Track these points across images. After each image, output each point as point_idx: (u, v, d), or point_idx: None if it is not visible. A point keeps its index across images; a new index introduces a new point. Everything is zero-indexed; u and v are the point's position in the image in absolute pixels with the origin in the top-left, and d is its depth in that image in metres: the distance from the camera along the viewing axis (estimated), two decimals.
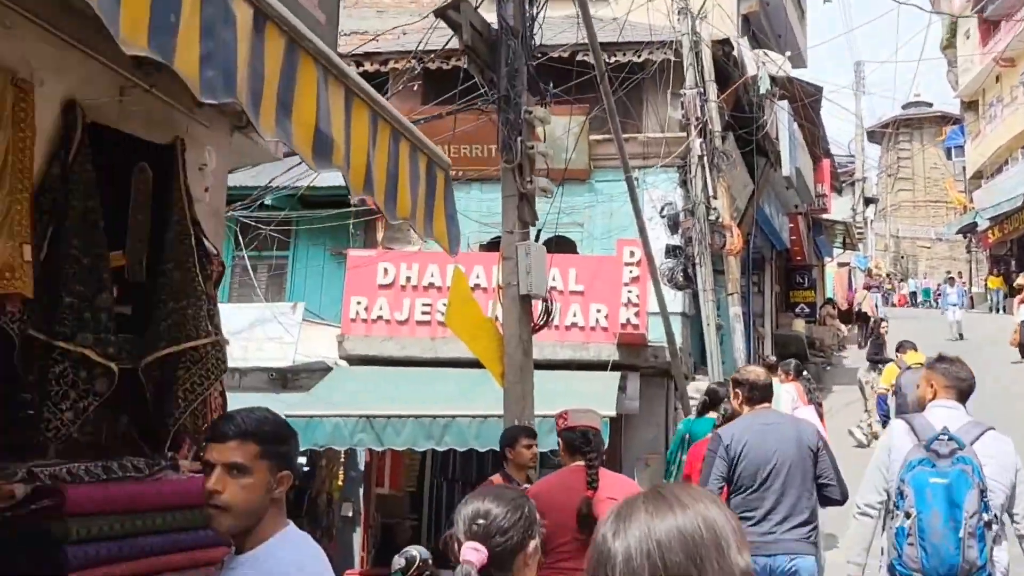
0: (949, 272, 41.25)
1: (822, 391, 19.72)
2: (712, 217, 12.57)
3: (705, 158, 12.61)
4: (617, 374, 11.40)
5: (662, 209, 12.56)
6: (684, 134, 13.34)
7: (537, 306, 7.11)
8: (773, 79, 17.31)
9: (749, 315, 18.55)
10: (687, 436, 7.53)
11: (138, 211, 3.46)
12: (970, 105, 44.05)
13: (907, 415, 4.41)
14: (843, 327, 27.60)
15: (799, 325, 22.21)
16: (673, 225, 12.51)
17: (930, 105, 51.01)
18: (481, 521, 2.19)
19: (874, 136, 49.49)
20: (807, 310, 23.50)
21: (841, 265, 33.25)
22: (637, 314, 11.37)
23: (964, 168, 44.44)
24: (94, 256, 3.17)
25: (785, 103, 18.09)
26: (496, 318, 7.02)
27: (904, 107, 49.49)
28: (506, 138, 6.68)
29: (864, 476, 4.39)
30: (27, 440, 3.11)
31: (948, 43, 44.44)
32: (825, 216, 27.98)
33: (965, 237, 46.54)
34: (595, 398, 10.56)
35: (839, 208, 31.13)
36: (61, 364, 3.07)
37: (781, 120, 17.51)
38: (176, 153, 3.57)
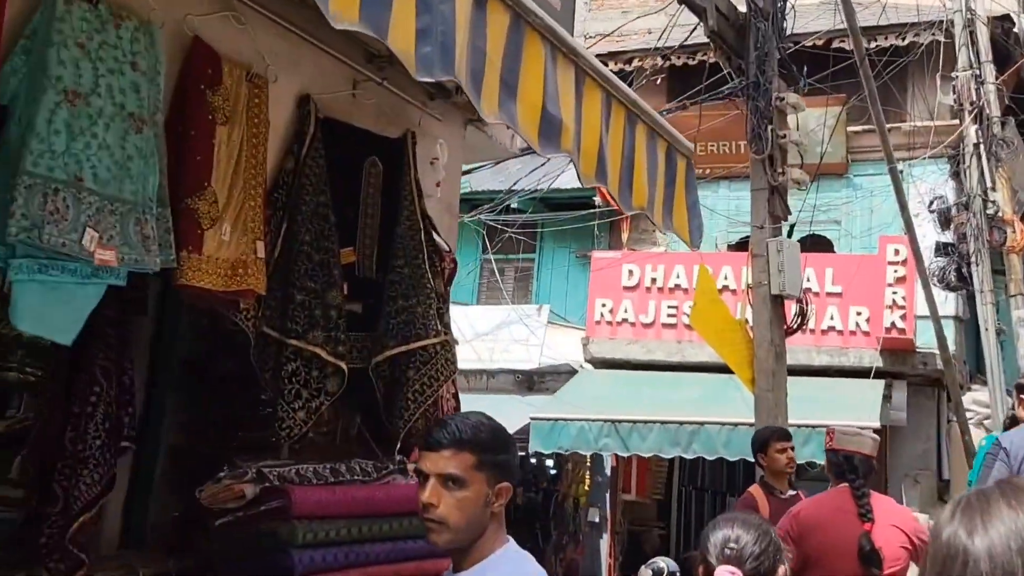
0: None
1: None
2: (990, 211, 11.34)
3: (981, 146, 11.40)
4: (881, 382, 10.54)
5: (931, 203, 11.48)
6: (955, 121, 12.16)
7: (790, 307, 6.57)
8: None
9: None
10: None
11: (368, 206, 3.40)
12: None
13: None
14: None
15: None
16: (944, 220, 11.40)
17: None
18: (733, 546, 2.21)
19: None
20: None
21: None
22: (903, 317, 10.45)
23: None
24: (325, 252, 3.13)
25: None
26: (746, 320, 6.55)
27: None
28: (755, 127, 6.24)
29: None
30: (264, 440, 3.09)
31: None
32: None
33: None
34: (856, 407, 9.82)
35: None
36: (293, 362, 3.04)
37: None
38: (406, 146, 3.48)
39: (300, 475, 2.85)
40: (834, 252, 12.77)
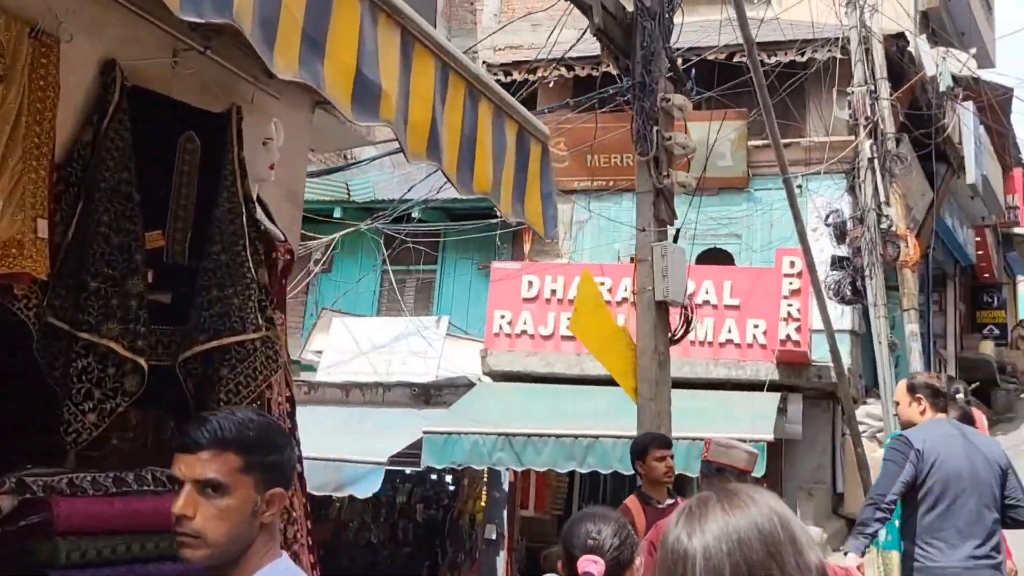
0: None
1: (1011, 420, 17.92)
2: (884, 225, 11.45)
3: (876, 161, 11.52)
4: (776, 395, 10.49)
5: (827, 217, 11.55)
6: (851, 137, 12.29)
7: (678, 315, 6.40)
8: (955, 78, 15.91)
9: (929, 335, 17.07)
10: None
11: (183, 186, 3.06)
12: None
13: None
14: None
15: (987, 348, 20.33)
16: (840, 234, 11.47)
17: None
18: (595, 537, 2.37)
19: None
20: (997, 332, 21.52)
21: None
22: (798, 330, 10.42)
23: None
24: (126, 235, 2.78)
25: (970, 104, 16.59)
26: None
27: None
28: (641, 128, 6.06)
29: None
30: (51, 445, 2.72)
31: None
32: (1017, 231, 25.73)
33: None
34: (750, 420, 9.74)
35: None
36: (84, 358, 2.69)
37: (965, 123, 16.04)
38: (229, 122, 3.16)
39: (73, 485, 2.48)
40: (735, 265, 12.77)
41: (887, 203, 11.60)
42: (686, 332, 6.39)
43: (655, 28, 6.20)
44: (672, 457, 5.22)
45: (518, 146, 3.20)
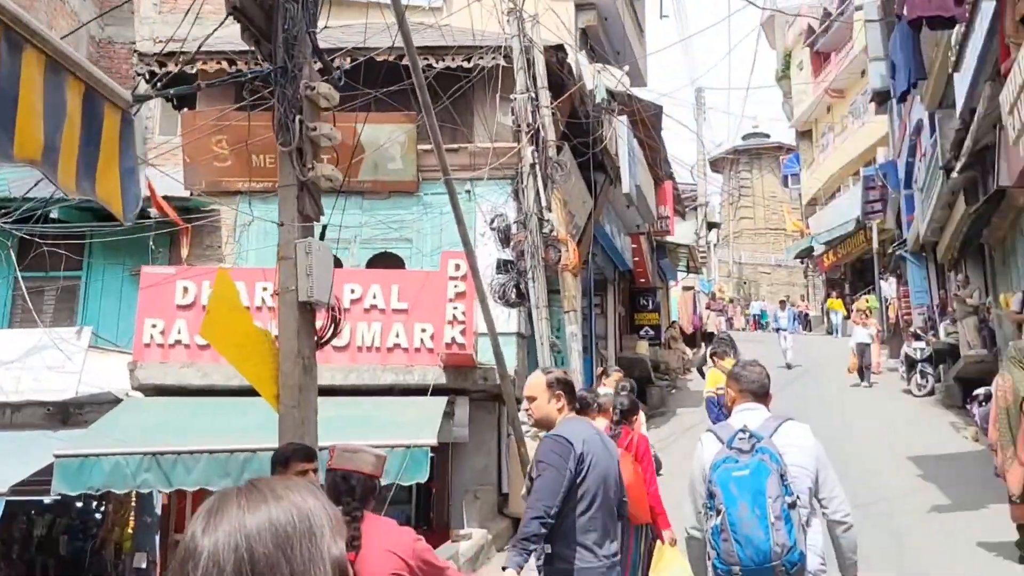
0: (788, 296, 42.37)
1: (664, 414, 19.29)
2: (546, 230, 11.78)
3: (538, 167, 11.83)
4: (443, 399, 10.42)
5: (492, 220, 11.69)
6: (515, 144, 12.57)
7: (325, 317, 6.01)
8: (611, 93, 16.87)
9: (592, 337, 17.96)
10: None
11: None
12: (804, 134, 45.58)
13: (714, 426, 4.51)
14: (688, 350, 27.51)
15: (643, 348, 21.83)
16: (504, 238, 11.66)
17: (768, 136, 52.58)
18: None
19: (716, 165, 50.61)
20: (651, 333, 23.18)
21: (686, 289, 33.38)
22: (463, 332, 10.41)
23: (800, 195, 45.88)
24: None
25: (624, 119, 17.66)
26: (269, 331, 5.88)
27: (744, 138, 50.89)
28: (283, 117, 5.62)
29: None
30: None
31: (783, 74, 45.92)
32: (669, 239, 27.93)
33: (803, 262, 48.06)
34: (416, 426, 9.56)
35: (683, 233, 31.23)
36: None
37: (620, 135, 17.05)
38: None
39: None
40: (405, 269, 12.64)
41: (548, 208, 11.94)
42: (334, 334, 6.01)
43: (298, 10, 5.79)
44: (316, 471, 4.83)
45: (85, 110, 2.66)
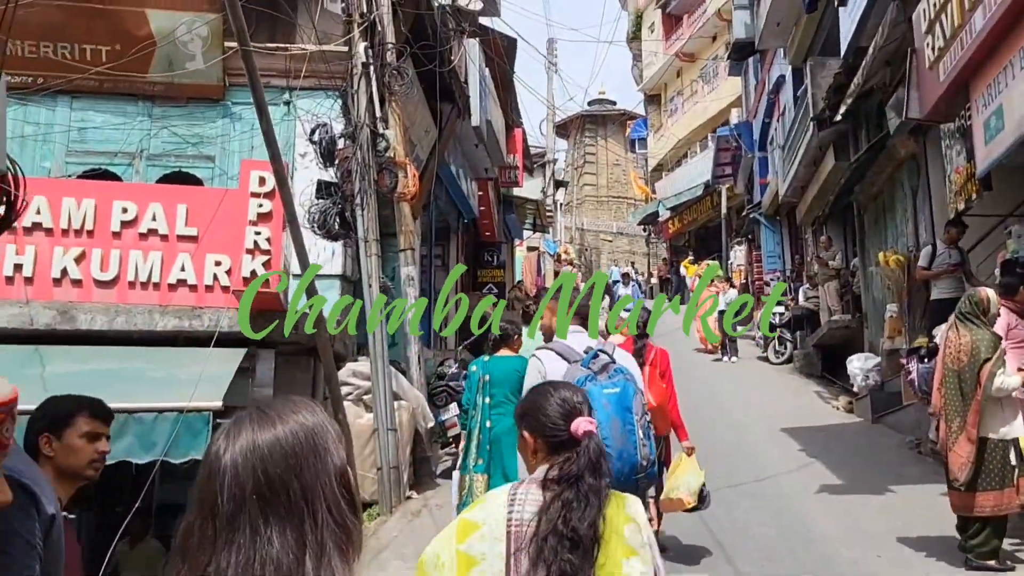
0: (632, 264, 41.45)
1: None
2: (381, 146, 9.55)
3: (372, 68, 9.58)
4: (240, 351, 8.08)
5: (313, 131, 9.39)
6: (346, 48, 10.24)
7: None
8: (461, 11, 14.71)
9: (431, 291, 15.86)
10: (486, 377, 6.82)
11: None
12: (653, 99, 44.75)
13: (547, 344, 4.46)
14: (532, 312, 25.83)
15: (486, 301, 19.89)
16: (327, 153, 9.37)
17: (614, 103, 51.47)
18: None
19: (561, 130, 49.12)
20: (495, 291, 21.27)
21: (531, 249, 31.75)
22: (267, 265, 8.08)
23: (647, 160, 45.07)
24: None
25: (476, 43, 15.55)
26: None
27: (590, 103, 49.65)
28: None
29: None
30: None
31: (634, 35, 44.83)
32: (516, 193, 26.12)
33: (645, 230, 47.40)
34: (199, 385, 7.19)
35: (530, 190, 29.51)
36: None
37: (472, 59, 14.93)
38: None
39: None
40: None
41: (384, 122, 9.72)
42: (9, 220, 3.67)
43: None
44: (108, 438, 2.94)
45: None
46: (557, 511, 2.29)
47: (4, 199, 3.51)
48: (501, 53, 18.10)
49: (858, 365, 12.55)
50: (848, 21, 13.32)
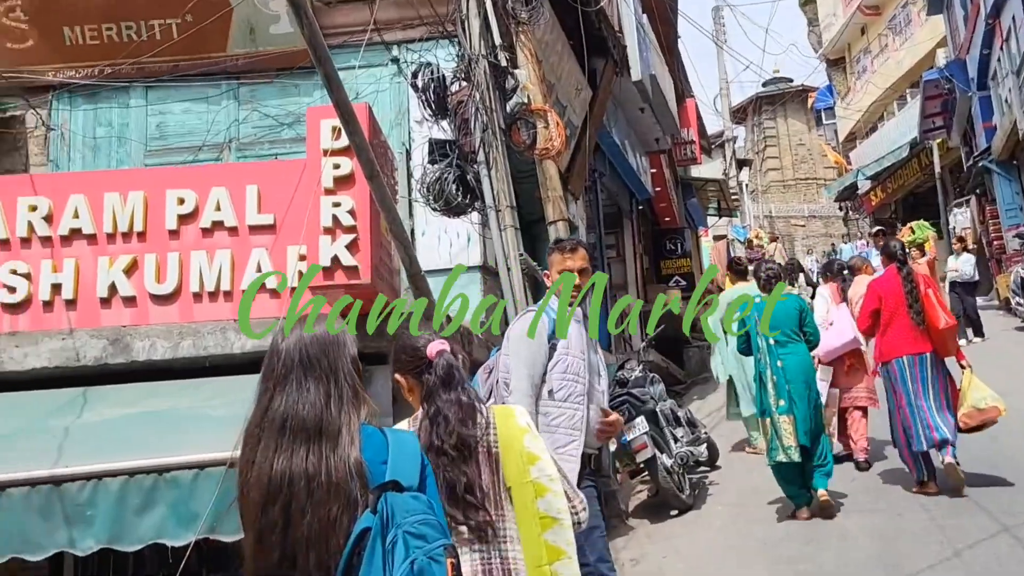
0: (833, 246, 37.48)
1: (707, 382, 14.71)
2: (510, 86, 7.19)
3: None
4: None
5: (415, 74, 7.12)
6: None
7: None
8: None
9: (609, 287, 13.37)
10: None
11: None
12: (835, 63, 40.64)
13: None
14: None
15: (676, 301, 17.17)
16: (439, 101, 7.07)
17: (791, 80, 47.36)
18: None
19: (736, 115, 45.51)
20: (683, 283, 18.51)
21: (717, 239, 28.67)
22: (353, 245, 5.72)
23: (836, 131, 40.92)
24: None
25: None
26: None
27: (764, 84, 45.88)
28: None
29: None
30: None
31: None
32: (695, 174, 23.27)
33: (841, 208, 43.11)
34: None
35: (709, 172, 26.52)
36: None
37: (626, 1, 12.41)
38: None
39: None
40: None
41: (509, 52, 7.35)
42: None
43: None
44: None
45: None
46: (426, 429, 2.60)
47: None
48: (663, 6, 15.50)
49: None
50: None
